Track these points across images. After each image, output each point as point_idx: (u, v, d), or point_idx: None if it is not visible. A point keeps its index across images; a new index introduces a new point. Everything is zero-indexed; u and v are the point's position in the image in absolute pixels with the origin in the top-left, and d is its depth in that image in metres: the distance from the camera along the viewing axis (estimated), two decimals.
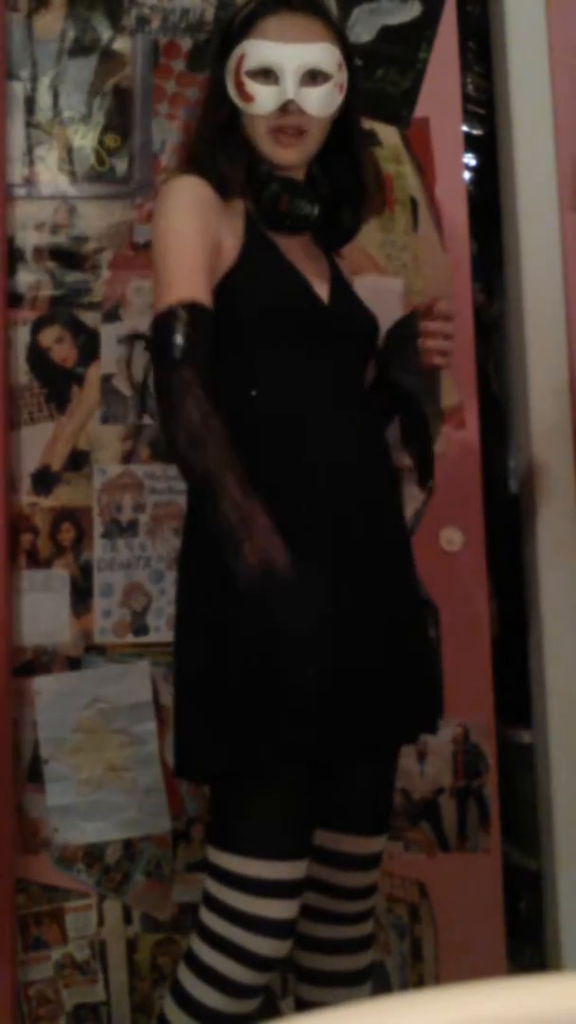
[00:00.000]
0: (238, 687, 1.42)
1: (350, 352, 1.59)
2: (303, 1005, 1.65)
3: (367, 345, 1.64)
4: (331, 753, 1.46)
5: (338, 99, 1.56)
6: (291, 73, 1.50)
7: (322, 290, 1.58)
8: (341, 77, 1.56)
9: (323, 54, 1.52)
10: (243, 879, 1.42)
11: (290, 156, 1.55)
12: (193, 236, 1.46)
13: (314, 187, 1.63)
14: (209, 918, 1.45)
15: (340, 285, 1.64)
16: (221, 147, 1.56)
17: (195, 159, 1.58)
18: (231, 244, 1.51)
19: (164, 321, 1.40)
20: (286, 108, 1.51)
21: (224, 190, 1.54)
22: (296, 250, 1.59)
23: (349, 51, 1.61)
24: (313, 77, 1.52)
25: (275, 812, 1.43)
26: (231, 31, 1.57)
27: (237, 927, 1.42)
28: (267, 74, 1.51)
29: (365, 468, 1.53)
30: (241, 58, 1.53)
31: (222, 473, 1.32)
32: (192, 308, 1.40)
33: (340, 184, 1.64)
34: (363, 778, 1.58)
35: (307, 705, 1.40)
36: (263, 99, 1.51)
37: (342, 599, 1.43)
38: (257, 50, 1.52)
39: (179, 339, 1.37)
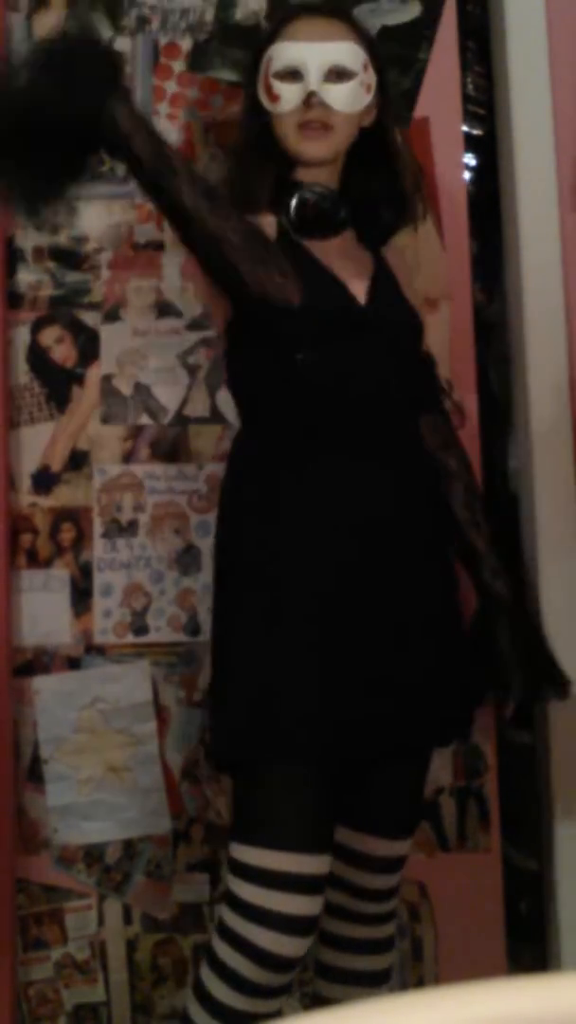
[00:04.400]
0: (260, 682, 1.46)
1: (390, 350, 1.59)
2: (320, 1001, 1.66)
3: (409, 342, 1.65)
4: (346, 752, 1.48)
5: (364, 98, 1.60)
6: (314, 70, 1.55)
7: (359, 290, 1.59)
8: (368, 78, 1.60)
9: (346, 52, 1.57)
10: (261, 872, 1.42)
11: (316, 150, 1.59)
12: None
13: (348, 192, 1.64)
14: (227, 914, 1.44)
15: (383, 284, 1.64)
16: (251, 162, 1.63)
17: (228, 177, 1.67)
18: None
19: None
20: (309, 102, 1.55)
21: (252, 206, 1.58)
22: (333, 253, 1.60)
23: (379, 57, 1.64)
24: (338, 75, 1.57)
25: (296, 805, 1.44)
26: (261, 43, 1.64)
27: (253, 924, 1.41)
28: (293, 74, 1.56)
29: (388, 475, 1.55)
30: (269, 62, 1.59)
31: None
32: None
33: (378, 191, 1.66)
34: (389, 780, 1.59)
35: (322, 704, 1.44)
36: (288, 96, 1.57)
37: (354, 604, 1.48)
38: (283, 51, 1.58)
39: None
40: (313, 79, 1.55)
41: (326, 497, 1.52)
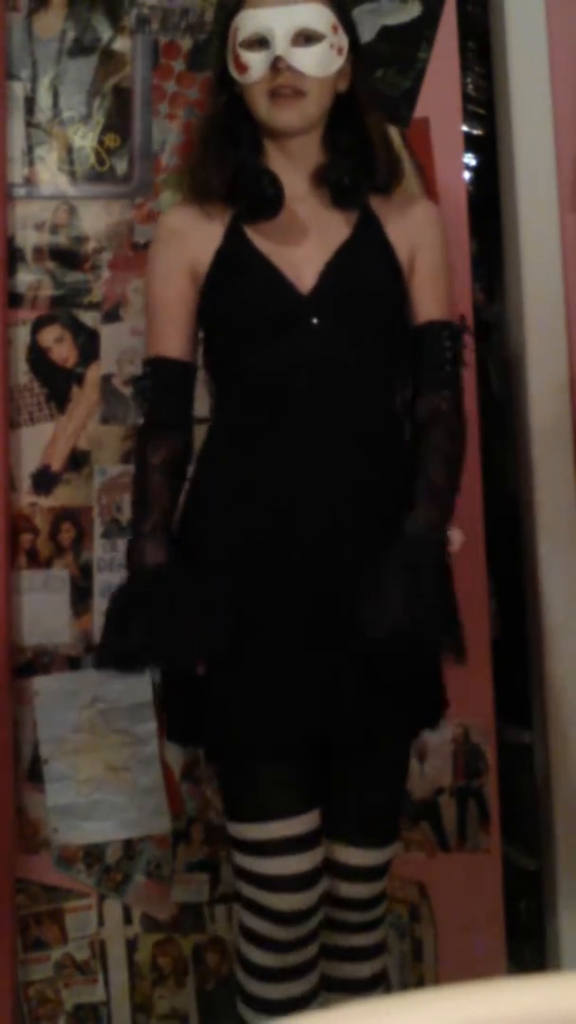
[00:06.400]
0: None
1: (352, 328, 1.54)
2: None
3: (375, 313, 1.56)
4: (273, 736, 1.50)
5: (336, 60, 1.55)
6: (281, 35, 1.50)
7: (309, 272, 1.53)
8: (338, 40, 1.54)
9: (313, 14, 1.52)
10: (245, 843, 1.53)
11: (289, 117, 1.54)
12: (166, 285, 1.60)
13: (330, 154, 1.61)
14: (238, 883, 1.56)
15: (354, 250, 1.56)
16: (214, 147, 1.59)
17: (188, 163, 1.67)
18: (206, 256, 1.58)
19: (139, 379, 1.65)
20: (276, 66, 1.50)
21: (207, 195, 1.58)
22: (288, 232, 1.56)
23: (348, 19, 1.60)
24: (306, 38, 1.52)
25: (261, 776, 1.52)
26: (227, 14, 1.60)
27: (253, 887, 1.53)
28: (260, 42, 1.52)
29: (326, 472, 1.51)
30: (235, 32, 1.55)
31: (143, 522, 1.57)
32: (156, 363, 1.60)
33: (350, 151, 1.60)
34: (358, 787, 1.57)
35: (236, 691, 1.48)
36: (256, 65, 1.52)
37: (272, 595, 1.49)
38: (248, 20, 1.53)
39: (144, 400, 1.61)
40: (280, 44, 1.49)
41: (246, 490, 1.52)
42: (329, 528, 1.49)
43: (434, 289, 1.61)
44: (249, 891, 1.53)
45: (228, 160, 1.57)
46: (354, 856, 1.57)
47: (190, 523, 1.60)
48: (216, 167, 1.57)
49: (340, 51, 1.55)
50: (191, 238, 1.58)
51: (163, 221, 1.69)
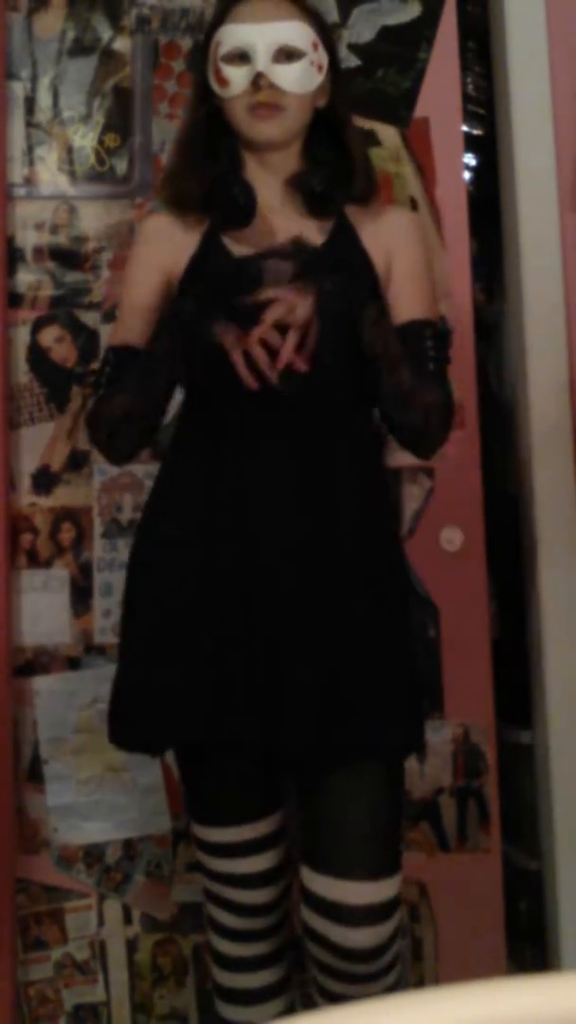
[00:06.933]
0: (121, 671, 1.57)
1: (320, 340, 1.46)
2: None
3: (336, 325, 1.45)
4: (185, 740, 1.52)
5: (316, 78, 1.56)
6: (262, 51, 1.52)
7: None
8: (318, 57, 1.56)
9: (294, 31, 1.54)
10: (203, 843, 1.59)
11: (269, 129, 1.54)
12: (140, 284, 1.61)
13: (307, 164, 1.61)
14: (201, 876, 1.62)
15: (321, 261, 1.53)
16: (192, 158, 1.60)
17: (166, 173, 1.68)
18: (181, 263, 1.59)
19: (101, 363, 1.64)
20: (258, 83, 1.51)
21: (185, 206, 1.59)
22: (263, 241, 1.56)
23: (328, 36, 1.61)
24: (287, 56, 1.53)
25: (203, 785, 1.57)
26: (209, 27, 1.61)
27: (214, 882, 1.59)
28: (242, 57, 1.53)
29: (286, 478, 1.48)
30: (217, 46, 1.56)
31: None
32: (119, 351, 1.59)
33: (329, 167, 1.60)
34: (334, 808, 1.45)
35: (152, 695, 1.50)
36: (237, 80, 1.53)
37: (206, 602, 1.47)
38: (230, 34, 1.55)
39: (100, 387, 1.60)
40: (261, 60, 1.51)
41: (211, 486, 1.51)
42: (295, 533, 1.46)
43: (412, 290, 1.59)
44: (209, 884, 1.59)
45: (206, 172, 1.58)
46: (354, 892, 1.42)
47: (154, 519, 1.59)
48: (194, 178, 1.58)
49: (320, 68, 1.57)
50: (170, 244, 1.60)
51: (145, 224, 1.70)
